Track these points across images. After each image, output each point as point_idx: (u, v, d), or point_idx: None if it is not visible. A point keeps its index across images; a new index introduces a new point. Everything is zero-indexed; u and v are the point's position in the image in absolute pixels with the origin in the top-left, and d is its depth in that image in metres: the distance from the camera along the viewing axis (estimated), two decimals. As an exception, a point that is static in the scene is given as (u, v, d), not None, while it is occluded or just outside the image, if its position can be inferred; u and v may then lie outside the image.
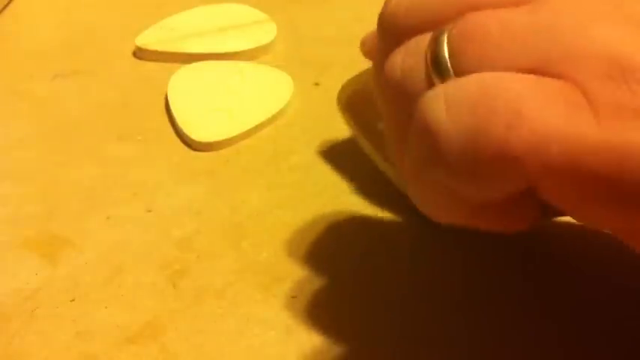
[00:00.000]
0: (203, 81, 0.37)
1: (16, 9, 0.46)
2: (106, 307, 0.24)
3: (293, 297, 0.24)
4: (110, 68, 0.39)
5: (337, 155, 0.31)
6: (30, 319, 0.24)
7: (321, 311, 0.24)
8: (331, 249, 0.26)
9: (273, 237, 0.27)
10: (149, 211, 0.29)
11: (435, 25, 0.17)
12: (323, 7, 0.45)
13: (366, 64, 0.28)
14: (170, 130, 0.34)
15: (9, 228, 0.28)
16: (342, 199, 0.29)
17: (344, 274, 0.25)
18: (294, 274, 0.25)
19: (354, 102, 0.29)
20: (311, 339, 0.23)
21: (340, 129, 0.32)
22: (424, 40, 0.17)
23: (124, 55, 0.40)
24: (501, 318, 0.23)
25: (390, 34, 0.19)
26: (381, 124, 0.24)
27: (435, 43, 0.16)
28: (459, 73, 0.16)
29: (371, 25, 0.39)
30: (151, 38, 0.40)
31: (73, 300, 0.25)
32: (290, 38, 0.41)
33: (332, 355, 0.22)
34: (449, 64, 0.16)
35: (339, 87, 0.29)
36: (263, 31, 0.41)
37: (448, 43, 0.16)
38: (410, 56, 0.17)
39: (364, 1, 0.46)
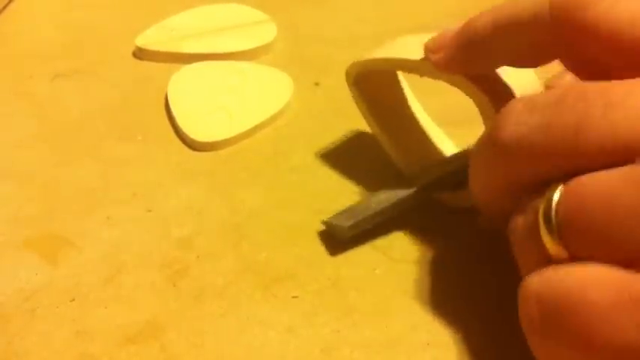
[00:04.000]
0: (203, 81, 0.37)
1: (16, 9, 0.46)
2: (106, 307, 0.24)
3: (293, 297, 0.24)
4: (110, 68, 0.39)
5: (337, 155, 0.31)
6: (30, 319, 0.24)
7: (322, 311, 0.24)
8: (332, 248, 0.26)
9: (273, 237, 0.27)
10: (149, 211, 0.29)
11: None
12: (323, 7, 0.45)
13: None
14: (170, 130, 0.34)
15: (9, 228, 0.28)
16: (342, 199, 0.29)
17: (344, 273, 0.25)
18: (294, 274, 0.25)
19: (364, 80, 0.29)
20: (311, 339, 0.23)
21: (340, 129, 0.32)
22: (538, 201, 0.18)
23: (124, 55, 0.40)
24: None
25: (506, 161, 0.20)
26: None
27: (545, 212, 0.17)
28: (567, 244, 0.17)
29: (371, 25, 0.39)
30: (151, 38, 0.40)
31: (73, 300, 0.25)
32: (290, 38, 0.41)
33: (333, 355, 0.22)
34: (557, 233, 0.17)
35: (339, 87, 0.29)
36: (263, 31, 0.41)
37: (556, 214, 0.17)
38: (528, 216, 0.19)
39: (364, 1, 0.46)
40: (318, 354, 0.22)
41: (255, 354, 0.22)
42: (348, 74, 0.29)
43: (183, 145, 0.33)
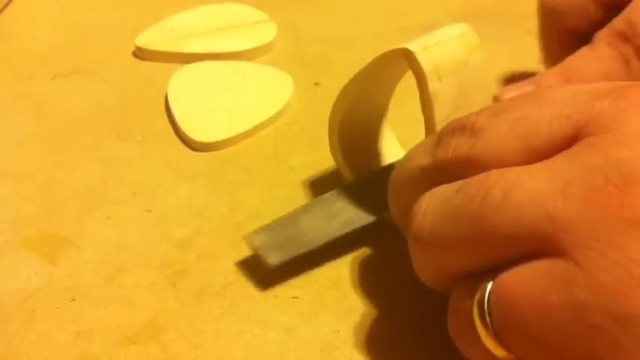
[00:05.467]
0: (203, 81, 0.37)
1: (16, 9, 0.46)
2: (106, 307, 0.24)
3: (293, 297, 0.24)
4: (110, 68, 0.39)
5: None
6: (30, 319, 0.24)
7: (322, 311, 0.24)
8: (332, 248, 0.26)
9: (273, 237, 0.27)
10: (149, 211, 0.29)
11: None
12: (323, 8, 0.45)
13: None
14: (170, 130, 0.34)
15: (9, 228, 0.28)
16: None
17: (344, 273, 0.25)
18: (294, 274, 0.25)
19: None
20: (311, 339, 0.23)
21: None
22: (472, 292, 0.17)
23: (124, 55, 0.40)
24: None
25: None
26: None
27: (479, 313, 0.17)
28: (507, 347, 0.16)
29: (370, 25, 0.39)
30: (151, 38, 0.40)
31: (73, 300, 0.25)
32: (290, 38, 0.41)
33: (333, 355, 0.22)
34: (495, 336, 0.17)
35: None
36: (263, 31, 0.41)
37: (489, 315, 0.16)
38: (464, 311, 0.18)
39: (364, 1, 0.46)
40: (318, 354, 0.22)
41: (255, 354, 0.22)
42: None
43: (183, 145, 0.33)
